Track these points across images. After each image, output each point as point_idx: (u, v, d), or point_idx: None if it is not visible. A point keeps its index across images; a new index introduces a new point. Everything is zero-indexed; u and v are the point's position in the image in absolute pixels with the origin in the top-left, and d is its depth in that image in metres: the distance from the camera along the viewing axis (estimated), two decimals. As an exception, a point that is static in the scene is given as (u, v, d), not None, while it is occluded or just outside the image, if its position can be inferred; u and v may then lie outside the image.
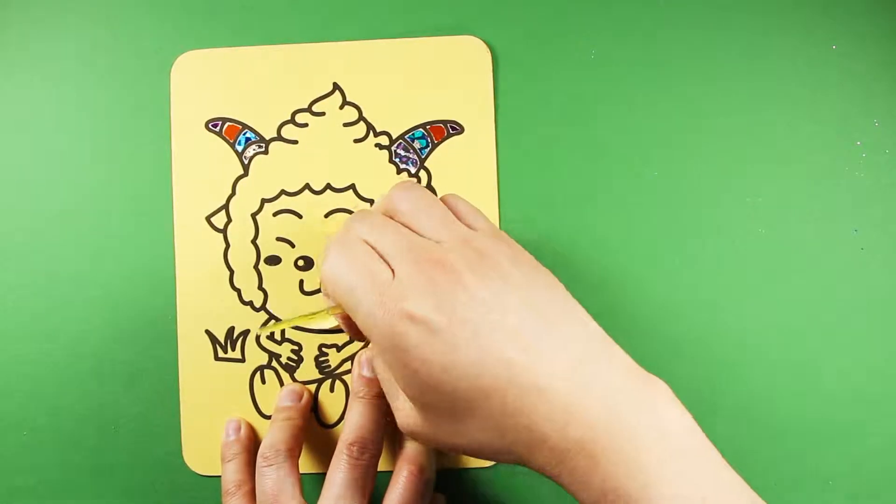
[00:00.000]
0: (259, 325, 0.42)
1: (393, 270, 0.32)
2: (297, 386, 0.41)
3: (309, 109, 0.42)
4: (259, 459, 0.38)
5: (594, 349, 0.31)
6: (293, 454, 0.38)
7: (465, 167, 0.42)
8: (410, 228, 0.34)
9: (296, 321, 0.38)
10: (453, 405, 0.31)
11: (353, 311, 0.33)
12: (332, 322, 0.37)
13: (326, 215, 0.42)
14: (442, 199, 0.36)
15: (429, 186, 0.42)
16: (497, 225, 0.42)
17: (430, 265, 0.32)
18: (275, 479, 0.37)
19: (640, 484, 0.28)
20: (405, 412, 0.33)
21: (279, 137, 0.42)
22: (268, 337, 0.42)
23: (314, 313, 0.36)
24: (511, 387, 0.30)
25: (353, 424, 0.38)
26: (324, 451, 0.42)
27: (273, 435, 0.39)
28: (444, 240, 0.33)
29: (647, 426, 0.29)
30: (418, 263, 0.32)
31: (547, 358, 0.30)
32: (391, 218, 0.35)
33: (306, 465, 0.42)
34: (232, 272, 0.42)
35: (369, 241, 0.33)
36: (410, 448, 0.39)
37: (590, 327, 0.32)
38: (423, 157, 0.42)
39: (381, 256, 0.33)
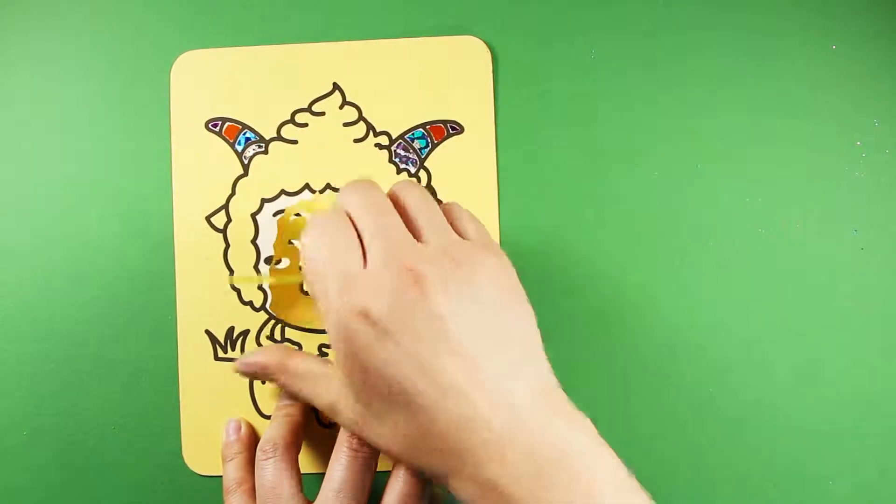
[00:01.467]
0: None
1: (365, 259, 0.33)
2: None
3: (309, 109, 0.42)
4: (258, 454, 0.38)
5: (536, 397, 0.31)
6: (292, 449, 0.38)
7: (465, 167, 0.42)
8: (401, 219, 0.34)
9: (271, 279, 0.40)
10: (384, 408, 0.32)
11: (315, 291, 0.33)
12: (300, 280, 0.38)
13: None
14: (443, 204, 0.36)
15: (428, 186, 0.42)
16: (497, 225, 0.42)
17: (400, 269, 0.32)
18: (273, 472, 0.37)
19: None
20: (337, 394, 0.34)
21: (279, 137, 0.42)
22: (267, 337, 0.42)
23: (289, 273, 0.38)
24: (441, 412, 0.30)
25: None
26: (324, 451, 0.42)
27: (272, 430, 0.39)
28: (429, 242, 0.33)
29: (565, 485, 0.29)
30: (389, 264, 0.32)
31: (486, 392, 0.31)
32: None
33: (306, 464, 0.42)
34: (232, 272, 0.42)
35: (354, 219, 0.34)
36: None
37: (541, 369, 0.33)
38: (422, 157, 0.42)
39: (360, 239, 0.33)
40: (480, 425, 0.30)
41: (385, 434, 0.33)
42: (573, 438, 0.30)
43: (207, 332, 0.42)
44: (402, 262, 0.32)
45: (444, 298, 0.31)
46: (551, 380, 0.33)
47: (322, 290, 0.33)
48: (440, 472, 0.32)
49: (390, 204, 0.35)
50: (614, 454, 0.31)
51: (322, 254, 0.33)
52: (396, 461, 0.34)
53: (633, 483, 0.31)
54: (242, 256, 0.42)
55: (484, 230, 0.36)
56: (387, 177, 0.42)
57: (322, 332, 0.42)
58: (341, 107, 0.42)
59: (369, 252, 0.33)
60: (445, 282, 0.32)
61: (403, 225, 0.34)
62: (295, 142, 0.42)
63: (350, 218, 0.34)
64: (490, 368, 0.31)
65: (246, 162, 0.42)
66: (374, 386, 0.32)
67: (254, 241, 0.42)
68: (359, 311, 0.31)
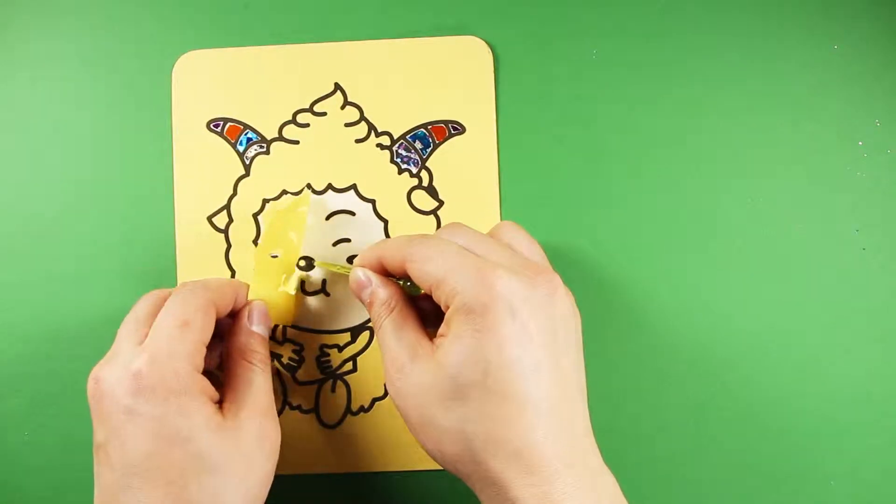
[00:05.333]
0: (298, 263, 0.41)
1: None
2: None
3: (310, 109, 0.42)
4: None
5: (584, 453, 0.32)
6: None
7: (467, 167, 0.42)
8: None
9: (330, 266, 0.40)
10: (474, 394, 0.31)
11: (443, 283, 0.32)
12: (350, 273, 0.37)
13: (328, 216, 0.42)
14: (500, 225, 0.37)
15: (430, 187, 0.42)
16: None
17: (529, 270, 0.32)
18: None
19: None
20: (410, 372, 0.33)
21: (280, 138, 0.42)
22: (269, 337, 0.42)
23: (344, 267, 0.39)
24: (534, 415, 0.31)
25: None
26: (324, 451, 0.42)
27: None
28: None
29: None
30: (516, 267, 0.32)
31: (565, 417, 0.31)
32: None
33: (306, 465, 0.42)
34: (233, 272, 0.42)
35: (463, 245, 0.34)
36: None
37: (583, 415, 0.33)
38: (424, 157, 0.42)
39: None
40: (554, 469, 0.30)
41: (449, 419, 0.32)
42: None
43: (209, 332, 0.42)
44: (530, 266, 0.33)
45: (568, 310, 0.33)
46: (588, 427, 0.33)
47: (453, 278, 0.32)
48: (475, 477, 0.32)
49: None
50: None
51: (444, 256, 0.33)
52: (448, 455, 0.33)
53: None
54: (244, 257, 0.42)
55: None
56: (388, 177, 0.42)
57: (322, 332, 0.42)
58: (343, 107, 0.42)
59: (494, 258, 0.33)
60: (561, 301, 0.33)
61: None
62: (296, 142, 0.42)
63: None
64: (556, 414, 0.31)
65: (247, 162, 0.42)
66: (473, 364, 0.31)
67: (255, 242, 0.42)
68: (500, 292, 0.31)
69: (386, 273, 0.36)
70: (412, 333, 0.34)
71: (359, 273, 0.36)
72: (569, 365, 0.32)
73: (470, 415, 0.31)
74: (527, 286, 0.32)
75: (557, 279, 0.33)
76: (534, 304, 0.31)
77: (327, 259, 0.41)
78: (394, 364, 0.34)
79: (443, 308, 0.33)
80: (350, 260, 0.41)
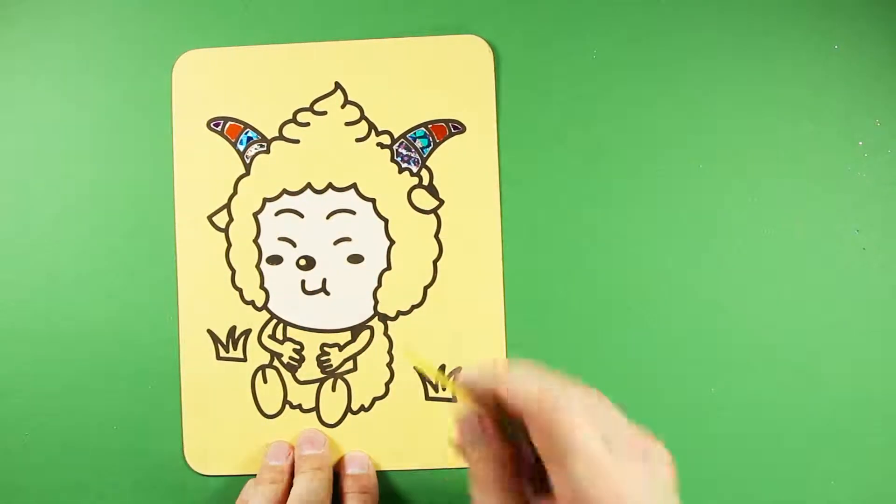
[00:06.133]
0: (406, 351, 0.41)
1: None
2: (315, 433, 0.41)
3: (311, 108, 0.42)
4: None
5: None
6: None
7: (467, 166, 0.42)
8: None
9: (432, 374, 0.41)
10: None
11: (567, 450, 0.26)
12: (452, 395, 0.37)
13: (328, 215, 0.42)
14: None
15: (430, 186, 0.42)
16: (499, 224, 0.42)
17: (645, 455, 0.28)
18: None
19: None
20: None
21: (281, 137, 0.42)
22: (269, 336, 0.42)
23: (446, 378, 0.40)
24: None
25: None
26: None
27: (301, 485, 0.39)
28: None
29: None
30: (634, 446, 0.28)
31: None
32: None
33: (308, 464, 0.42)
34: (233, 271, 0.42)
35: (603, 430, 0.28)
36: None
37: None
38: (424, 156, 0.42)
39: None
40: None
41: None
42: None
43: (209, 331, 0.42)
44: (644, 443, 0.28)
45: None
46: None
47: (582, 444, 0.26)
48: None
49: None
50: None
51: (594, 457, 0.26)
52: None
53: None
54: (244, 256, 0.42)
55: None
56: (388, 176, 0.42)
57: (322, 331, 0.42)
58: (343, 106, 0.42)
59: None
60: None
61: None
62: (297, 141, 0.42)
63: None
64: None
65: (248, 161, 0.42)
66: None
67: (255, 241, 0.42)
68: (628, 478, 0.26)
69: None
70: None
71: (472, 420, 0.30)
72: None
73: None
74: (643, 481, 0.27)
75: (663, 457, 0.29)
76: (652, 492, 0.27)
77: (328, 259, 0.42)
78: None
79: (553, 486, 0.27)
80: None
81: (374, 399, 0.42)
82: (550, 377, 0.29)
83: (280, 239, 0.42)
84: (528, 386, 0.28)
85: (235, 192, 0.42)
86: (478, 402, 0.30)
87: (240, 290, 0.42)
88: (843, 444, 0.41)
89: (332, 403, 0.42)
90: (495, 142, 0.42)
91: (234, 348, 0.42)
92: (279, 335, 0.42)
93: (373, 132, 0.42)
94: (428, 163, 0.42)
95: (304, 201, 0.42)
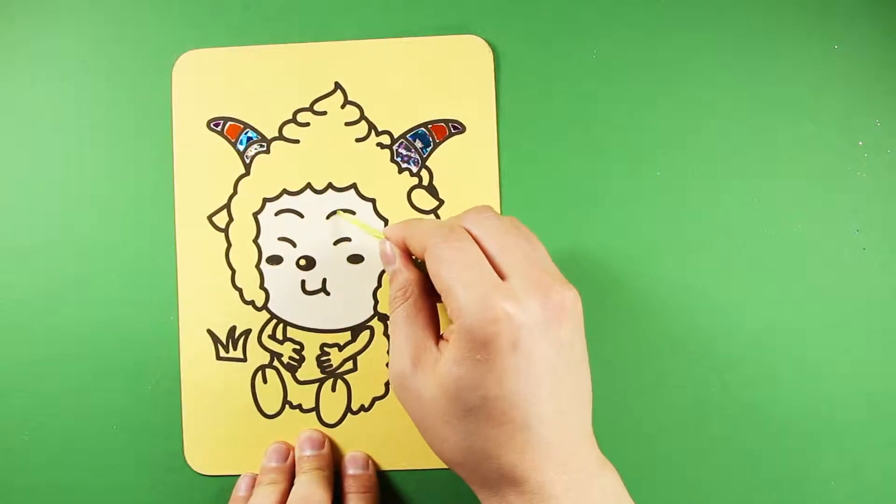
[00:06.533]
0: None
1: (502, 277, 0.32)
2: (316, 433, 0.41)
3: (310, 109, 0.42)
4: None
5: (576, 450, 0.32)
6: None
7: (467, 166, 0.42)
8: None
9: (361, 225, 0.41)
10: (474, 410, 0.31)
11: (451, 295, 0.32)
12: (379, 242, 0.38)
13: (328, 215, 0.42)
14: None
15: (430, 186, 0.42)
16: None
17: (540, 289, 0.32)
18: None
19: None
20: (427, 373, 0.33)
21: (281, 137, 0.42)
22: (269, 336, 0.42)
23: (374, 230, 0.39)
24: (528, 436, 0.31)
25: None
26: (325, 451, 0.42)
27: (304, 487, 0.39)
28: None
29: None
30: (527, 287, 0.32)
31: (560, 431, 0.32)
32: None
33: (308, 464, 0.42)
34: (233, 271, 0.42)
35: (485, 243, 0.34)
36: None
37: (583, 421, 0.33)
38: (424, 156, 0.42)
39: (493, 260, 0.33)
40: (546, 478, 0.31)
41: (448, 430, 0.32)
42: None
43: (209, 331, 0.42)
44: (547, 285, 0.32)
45: (574, 336, 0.33)
46: (588, 430, 0.33)
47: (460, 291, 0.32)
48: (472, 480, 0.33)
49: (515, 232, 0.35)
50: None
51: (457, 266, 0.32)
52: (449, 461, 0.34)
53: None
54: (244, 256, 0.42)
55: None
56: (388, 176, 0.42)
57: (322, 331, 0.42)
58: (343, 106, 0.42)
59: (508, 270, 0.33)
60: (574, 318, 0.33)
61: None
62: (297, 141, 0.42)
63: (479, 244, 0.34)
64: (565, 419, 0.32)
65: (248, 161, 0.42)
66: (475, 387, 0.31)
67: (255, 241, 0.42)
68: (505, 314, 0.31)
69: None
70: (420, 331, 0.35)
71: (386, 247, 0.37)
72: (571, 380, 0.32)
73: (468, 430, 0.32)
74: (533, 314, 0.31)
75: (567, 294, 0.33)
76: (538, 332, 0.31)
77: (328, 259, 0.42)
78: (397, 363, 0.34)
79: (448, 315, 0.33)
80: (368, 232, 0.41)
81: (374, 399, 0.42)
82: (452, 219, 0.35)
83: (280, 239, 0.42)
84: (418, 233, 0.35)
85: (235, 192, 0.42)
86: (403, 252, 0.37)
87: (240, 290, 0.42)
88: (842, 444, 0.41)
89: (332, 403, 0.42)
90: (495, 142, 0.42)
91: (234, 348, 0.42)
92: (279, 335, 0.42)
93: (373, 132, 0.42)
94: (428, 163, 0.42)
95: (304, 201, 0.42)
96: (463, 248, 0.33)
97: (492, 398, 0.31)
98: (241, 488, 0.40)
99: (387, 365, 0.40)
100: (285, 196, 0.42)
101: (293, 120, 0.42)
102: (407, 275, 0.36)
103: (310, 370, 0.42)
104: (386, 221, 0.42)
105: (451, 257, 0.33)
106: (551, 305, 0.32)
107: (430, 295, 0.36)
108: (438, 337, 0.35)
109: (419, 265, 0.36)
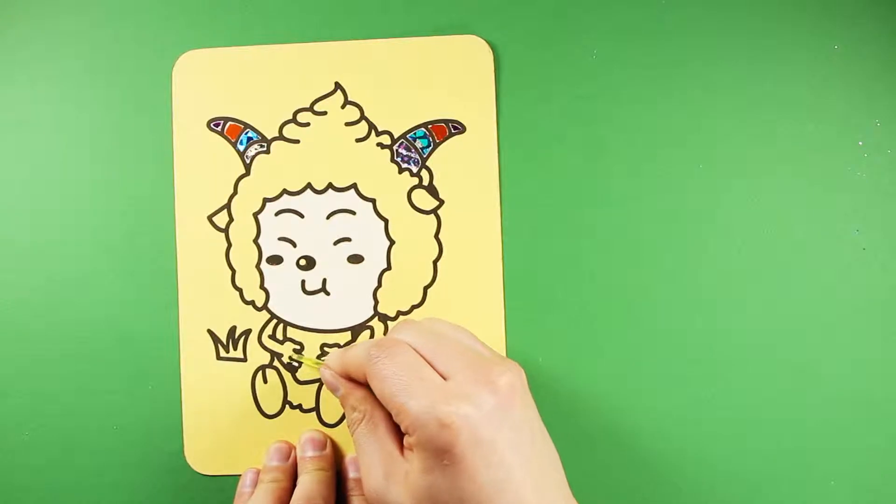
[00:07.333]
0: (290, 354, 0.42)
1: (444, 377, 0.33)
2: (318, 434, 0.42)
3: (311, 109, 0.42)
4: None
5: None
6: None
7: (467, 166, 0.42)
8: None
9: (305, 360, 0.41)
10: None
11: (402, 412, 0.33)
12: (321, 370, 0.39)
13: (328, 215, 0.42)
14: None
15: (430, 186, 0.42)
16: (499, 224, 0.42)
17: (481, 380, 0.33)
18: None
19: None
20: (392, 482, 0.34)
21: (281, 137, 0.42)
22: (269, 336, 0.42)
23: (317, 363, 0.40)
24: None
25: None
26: (325, 451, 0.42)
27: (307, 486, 0.39)
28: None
29: None
30: (468, 383, 0.33)
31: None
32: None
33: (308, 464, 0.42)
34: (234, 272, 0.42)
35: (419, 350, 0.35)
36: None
37: (559, 484, 0.34)
38: (424, 156, 0.42)
39: (431, 364, 0.34)
40: None
41: None
42: None
43: (209, 331, 0.42)
44: (488, 378, 0.33)
45: (525, 419, 0.33)
46: (566, 490, 0.34)
47: (404, 401, 0.33)
48: None
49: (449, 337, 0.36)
50: None
51: (398, 375, 0.33)
52: None
53: None
54: (244, 256, 0.42)
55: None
56: (389, 176, 0.42)
57: (323, 331, 0.42)
58: (343, 106, 0.42)
59: (450, 370, 0.34)
60: (523, 401, 0.34)
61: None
62: (297, 141, 0.42)
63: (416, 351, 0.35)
64: (553, 496, 0.33)
65: (248, 161, 0.42)
66: (459, 491, 0.32)
67: (255, 241, 0.42)
68: (455, 415, 0.31)
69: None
70: (385, 445, 0.35)
71: (326, 375, 0.38)
72: (540, 454, 0.33)
73: None
74: (486, 404, 0.32)
75: (509, 373, 0.33)
76: (496, 419, 0.32)
77: (328, 259, 0.42)
78: (370, 481, 0.35)
79: (403, 430, 0.33)
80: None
81: (375, 399, 0.42)
82: (380, 339, 0.36)
83: (280, 239, 0.42)
84: (354, 359, 0.36)
85: (235, 192, 0.42)
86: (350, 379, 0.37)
87: (240, 290, 0.42)
88: (842, 444, 0.41)
89: (333, 403, 0.42)
90: (495, 142, 0.42)
91: (235, 348, 0.42)
92: (279, 335, 0.42)
93: (373, 132, 0.42)
94: (428, 163, 0.42)
95: (304, 201, 0.42)
96: (400, 359, 0.34)
97: (469, 496, 0.31)
98: (245, 483, 0.41)
99: None
100: (285, 196, 0.42)
101: (293, 120, 0.42)
102: (356, 394, 0.37)
103: (310, 370, 0.42)
104: (386, 221, 0.42)
105: (391, 373, 0.33)
106: (500, 389, 0.33)
107: (382, 405, 0.36)
108: (402, 445, 0.35)
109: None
